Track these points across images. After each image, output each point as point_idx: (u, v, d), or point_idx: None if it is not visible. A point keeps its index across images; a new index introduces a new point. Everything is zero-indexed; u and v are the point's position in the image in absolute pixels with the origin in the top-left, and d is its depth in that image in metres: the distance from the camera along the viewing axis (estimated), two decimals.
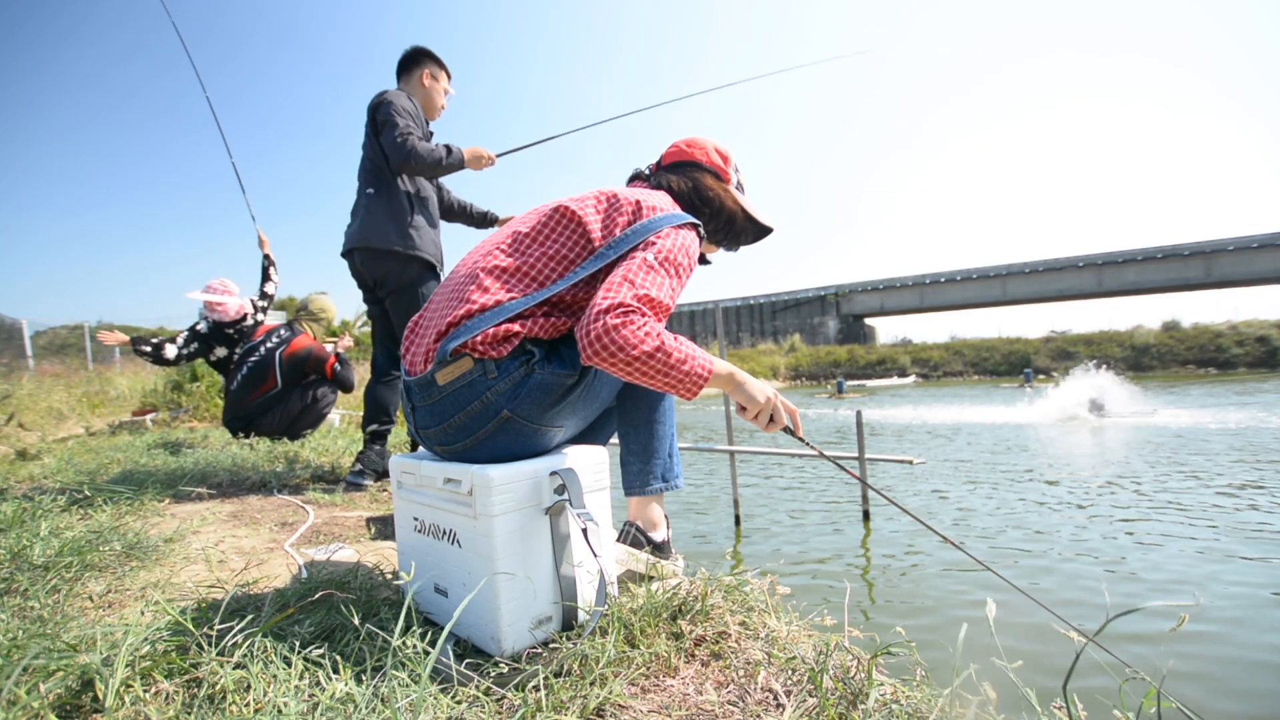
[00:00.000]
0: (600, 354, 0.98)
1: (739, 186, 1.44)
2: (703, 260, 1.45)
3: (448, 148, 2.31)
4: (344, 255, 2.45)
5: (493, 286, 1.09)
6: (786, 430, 1.18)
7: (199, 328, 3.82)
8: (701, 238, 1.26)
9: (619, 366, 0.99)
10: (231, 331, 3.82)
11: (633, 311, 1.00)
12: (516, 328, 1.05)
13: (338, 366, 3.43)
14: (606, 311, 0.99)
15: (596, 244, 1.13)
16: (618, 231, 1.13)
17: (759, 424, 1.16)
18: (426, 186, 2.49)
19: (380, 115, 2.27)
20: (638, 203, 1.17)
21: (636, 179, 1.43)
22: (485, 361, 1.04)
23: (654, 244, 1.10)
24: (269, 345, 3.53)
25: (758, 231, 1.47)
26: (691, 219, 1.21)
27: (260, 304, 4.03)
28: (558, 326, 1.10)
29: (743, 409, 1.17)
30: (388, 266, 2.32)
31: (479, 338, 1.04)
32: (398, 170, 2.32)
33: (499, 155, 2.51)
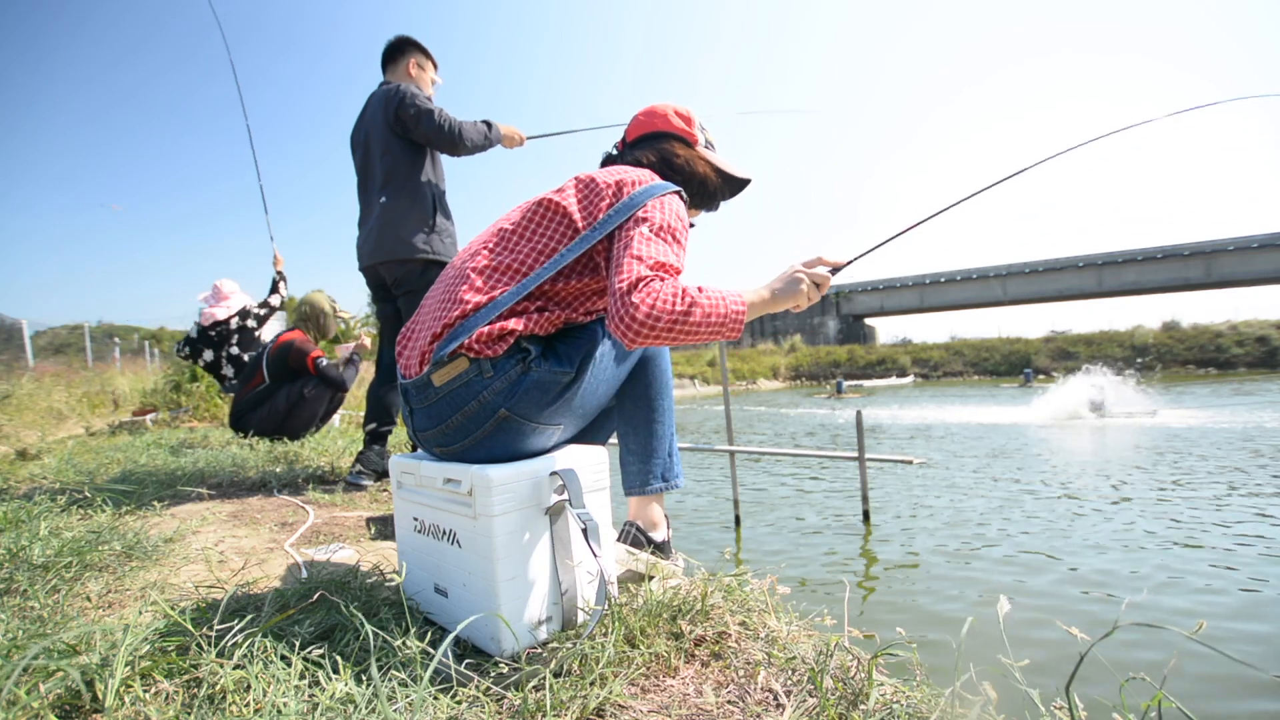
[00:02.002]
0: (641, 331, 0.98)
1: (708, 145, 1.42)
2: None
3: (488, 123, 2.32)
4: (362, 270, 2.43)
5: (484, 285, 1.09)
6: (833, 273, 1.23)
7: (190, 334, 3.90)
8: (685, 202, 1.26)
9: (662, 335, 0.99)
10: (213, 334, 3.87)
11: (653, 280, 1.00)
12: (512, 325, 1.05)
13: (321, 361, 3.42)
14: (629, 291, 0.99)
15: (581, 230, 1.13)
16: (600, 215, 1.13)
17: (814, 301, 1.21)
18: (445, 181, 2.47)
19: (408, 109, 2.23)
20: (618, 183, 1.17)
21: (608, 161, 1.42)
22: (481, 361, 1.04)
23: (645, 219, 1.10)
24: (264, 343, 3.60)
25: (734, 186, 1.46)
26: (673, 186, 1.22)
27: (257, 311, 4.07)
28: (553, 321, 1.11)
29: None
30: (408, 268, 2.31)
31: (475, 337, 1.04)
32: (449, 153, 2.31)
33: (529, 138, 2.56)
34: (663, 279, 1.01)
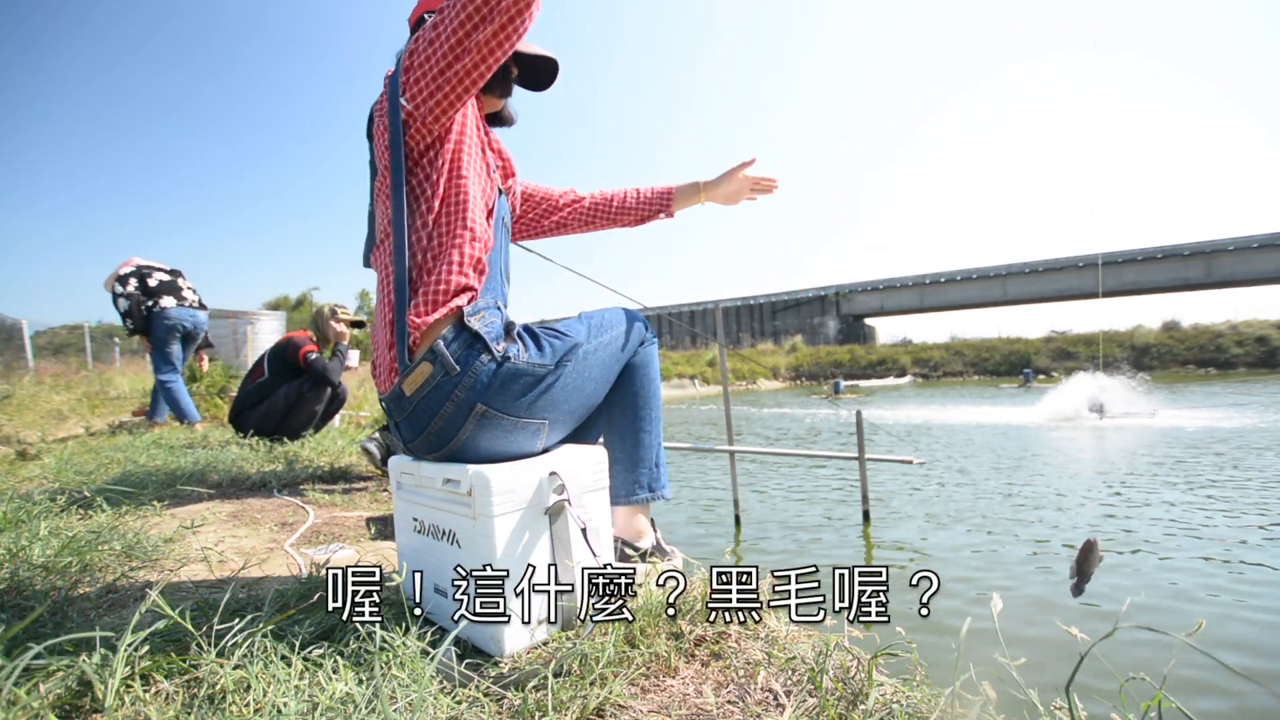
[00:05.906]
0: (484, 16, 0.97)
1: None
2: (498, 121, 1.39)
3: None
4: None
5: (392, 271, 1.08)
6: None
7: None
8: None
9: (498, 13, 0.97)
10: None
11: None
12: (442, 282, 1.05)
13: (310, 355, 3.45)
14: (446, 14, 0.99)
15: (403, 141, 1.11)
16: (386, 110, 1.13)
17: None
18: None
19: (380, 106, 2.25)
20: (385, 80, 1.16)
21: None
22: (445, 360, 1.03)
23: (416, 37, 1.09)
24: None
25: (530, 65, 1.33)
26: None
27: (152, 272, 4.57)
28: (470, 254, 1.08)
29: None
30: None
31: (414, 315, 1.04)
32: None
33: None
34: None
